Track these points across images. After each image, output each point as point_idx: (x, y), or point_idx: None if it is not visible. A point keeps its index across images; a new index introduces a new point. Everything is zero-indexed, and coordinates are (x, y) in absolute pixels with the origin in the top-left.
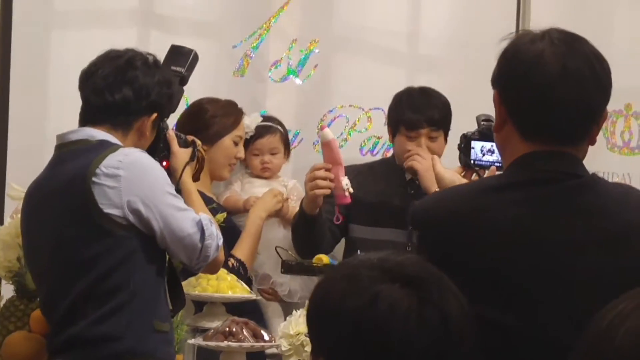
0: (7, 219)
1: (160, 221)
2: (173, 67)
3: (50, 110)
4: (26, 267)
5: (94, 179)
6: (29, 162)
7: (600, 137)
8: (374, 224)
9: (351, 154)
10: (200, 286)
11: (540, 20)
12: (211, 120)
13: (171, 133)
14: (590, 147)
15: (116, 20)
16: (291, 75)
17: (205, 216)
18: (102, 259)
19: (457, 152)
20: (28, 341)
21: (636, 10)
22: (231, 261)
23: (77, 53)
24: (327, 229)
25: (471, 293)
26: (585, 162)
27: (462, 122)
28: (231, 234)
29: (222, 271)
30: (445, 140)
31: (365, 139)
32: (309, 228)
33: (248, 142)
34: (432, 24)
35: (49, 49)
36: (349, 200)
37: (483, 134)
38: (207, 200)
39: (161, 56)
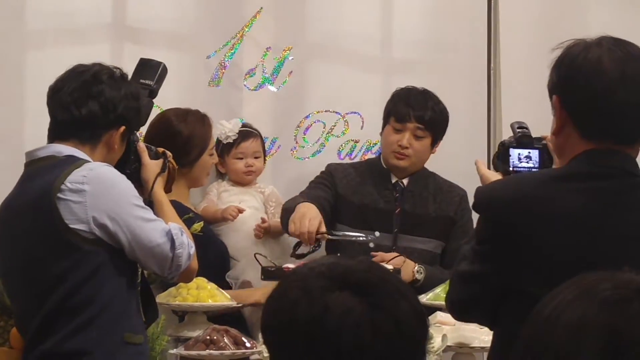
0: None
1: (128, 234)
2: (142, 80)
3: (26, 128)
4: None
5: (59, 194)
6: (5, 179)
7: None
8: (360, 226)
9: (329, 159)
10: (180, 296)
11: (511, 19)
12: (188, 145)
13: (141, 145)
14: None
15: (90, 35)
16: (266, 83)
17: (175, 225)
18: (71, 274)
19: (451, 161)
20: (8, 357)
21: (607, 6)
22: None
23: (52, 70)
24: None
25: (524, 273)
26: None
27: None
28: (209, 242)
29: (202, 280)
30: (432, 147)
31: (343, 143)
32: None
33: (231, 147)
34: (404, 28)
35: (24, 67)
36: None
37: (520, 142)
38: (184, 210)
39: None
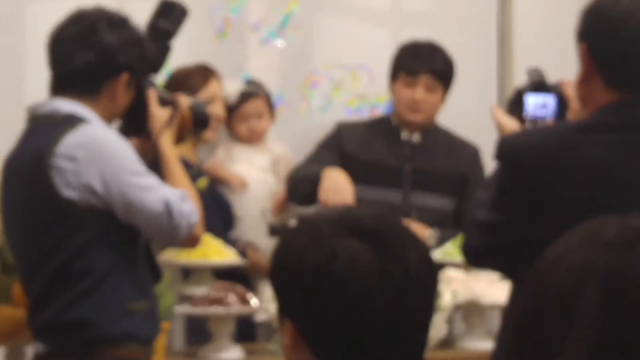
0: None
1: (123, 203)
2: (158, 22)
3: (28, 82)
4: (5, 240)
5: (51, 161)
6: (6, 134)
7: None
8: (369, 183)
9: (337, 115)
10: (185, 252)
11: None
12: (176, 87)
13: (150, 92)
14: None
15: None
16: (272, 38)
17: (176, 193)
18: (65, 242)
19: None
20: (12, 314)
21: None
22: None
23: (53, 21)
24: None
25: (545, 224)
26: None
27: None
28: (214, 200)
29: (208, 236)
30: (443, 99)
31: (351, 98)
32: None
33: (233, 109)
34: None
35: (24, 20)
36: None
37: (534, 87)
38: (187, 165)
39: (139, 19)
